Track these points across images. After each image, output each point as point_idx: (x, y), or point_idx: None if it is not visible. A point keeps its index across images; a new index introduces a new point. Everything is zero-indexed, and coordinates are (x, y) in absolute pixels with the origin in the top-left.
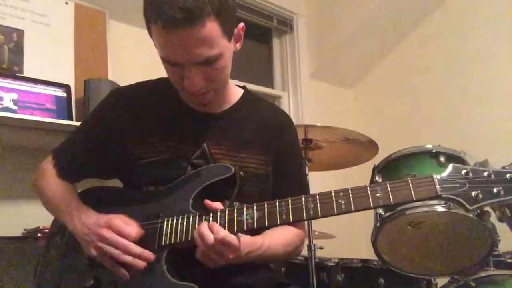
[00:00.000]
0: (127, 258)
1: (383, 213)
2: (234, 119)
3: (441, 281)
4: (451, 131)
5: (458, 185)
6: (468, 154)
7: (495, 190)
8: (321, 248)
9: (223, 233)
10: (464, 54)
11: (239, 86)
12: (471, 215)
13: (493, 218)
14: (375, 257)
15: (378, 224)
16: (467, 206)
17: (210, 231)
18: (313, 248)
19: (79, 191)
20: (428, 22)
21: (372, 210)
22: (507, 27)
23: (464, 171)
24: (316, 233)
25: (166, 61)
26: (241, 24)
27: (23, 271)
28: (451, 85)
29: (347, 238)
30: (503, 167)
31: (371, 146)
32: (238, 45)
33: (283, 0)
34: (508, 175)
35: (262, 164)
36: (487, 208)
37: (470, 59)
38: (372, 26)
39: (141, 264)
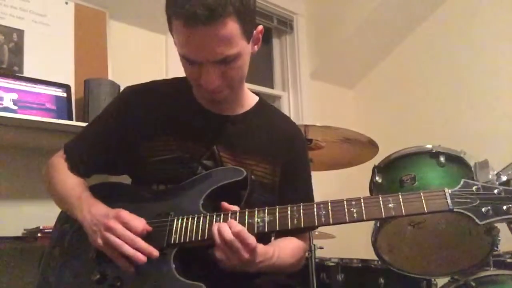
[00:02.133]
0: (130, 250)
1: None
2: (246, 125)
3: (441, 281)
4: (451, 131)
5: (469, 200)
6: (468, 154)
7: (505, 207)
8: (321, 248)
9: (240, 227)
10: (465, 54)
11: (254, 93)
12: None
13: None
14: (375, 257)
15: (378, 224)
16: (477, 221)
17: (228, 227)
18: (313, 248)
19: (89, 185)
20: (428, 22)
21: None
22: (507, 27)
23: (475, 187)
24: (316, 233)
25: (185, 58)
26: (260, 27)
27: (23, 271)
28: (451, 85)
29: (347, 238)
30: (503, 168)
31: (371, 146)
32: (256, 47)
33: (283, 0)
34: None
35: (269, 174)
36: (496, 224)
37: (471, 59)
38: (372, 26)
39: (142, 258)
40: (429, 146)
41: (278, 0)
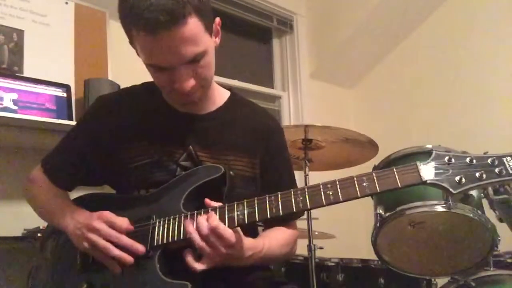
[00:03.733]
0: (116, 252)
1: (383, 213)
2: (220, 121)
3: (441, 281)
4: (451, 131)
5: (441, 171)
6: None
7: (477, 174)
8: (321, 248)
9: (217, 223)
10: (464, 53)
11: (226, 88)
12: (471, 215)
13: (493, 218)
14: (375, 257)
15: (378, 224)
16: (451, 190)
17: (206, 221)
18: (313, 248)
19: (71, 198)
20: (427, 23)
21: (372, 210)
22: (507, 26)
23: (446, 158)
24: (316, 233)
25: (153, 66)
26: (218, 19)
27: (23, 271)
28: (451, 84)
29: (347, 238)
30: (485, 153)
31: (371, 146)
32: (217, 39)
33: (283, 0)
34: (489, 160)
35: (249, 167)
36: (471, 192)
37: (470, 58)
38: (372, 26)
39: (129, 258)
40: (429, 146)
41: (278, 0)
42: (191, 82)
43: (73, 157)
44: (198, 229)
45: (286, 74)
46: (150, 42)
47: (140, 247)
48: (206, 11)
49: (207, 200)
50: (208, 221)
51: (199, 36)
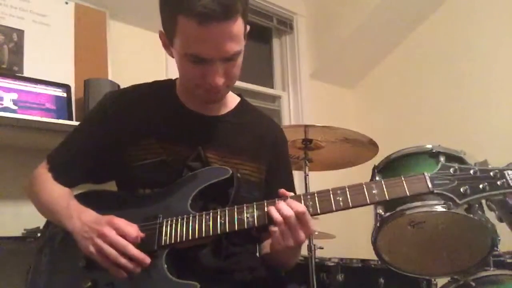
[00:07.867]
0: (122, 261)
1: (383, 213)
2: (231, 124)
3: (441, 281)
4: (451, 131)
5: (447, 181)
6: (468, 154)
7: (481, 186)
8: (321, 248)
9: (303, 208)
10: (464, 54)
11: (235, 93)
12: (471, 215)
13: (493, 218)
14: (375, 257)
15: (378, 224)
16: (457, 200)
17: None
18: (313, 248)
19: (74, 194)
20: (427, 23)
21: (372, 210)
22: (508, 26)
23: (452, 169)
24: (316, 233)
25: (192, 56)
26: (248, 26)
27: (23, 271)
28: (451, 85)
29: (347, 238)
30: (483, 160)
31: (371, 146)
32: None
33: (283, 0)
34: (491, 173)
35: (255, 172)
36: (474, 202)
37: (471, 59)
38: (372, 26)
39: (136, 269)
40: (429, 146)
41: (278, 0)
42: (222, 79)
43: (79, 154)
44: (281, 213)
45: (286, 74)
46: (199, 31)
47: (146, 259)
48: (247, 14)
49: (282, 190)
50: (293, 208)
51: (241, 36)
